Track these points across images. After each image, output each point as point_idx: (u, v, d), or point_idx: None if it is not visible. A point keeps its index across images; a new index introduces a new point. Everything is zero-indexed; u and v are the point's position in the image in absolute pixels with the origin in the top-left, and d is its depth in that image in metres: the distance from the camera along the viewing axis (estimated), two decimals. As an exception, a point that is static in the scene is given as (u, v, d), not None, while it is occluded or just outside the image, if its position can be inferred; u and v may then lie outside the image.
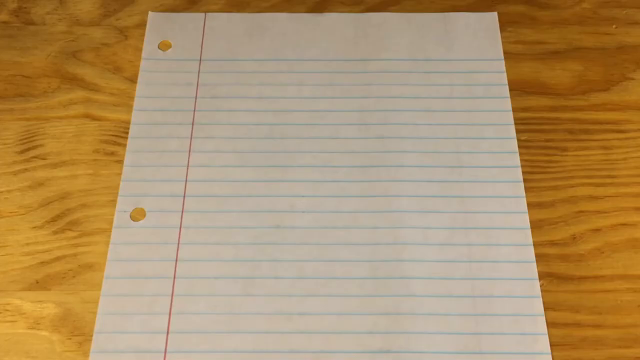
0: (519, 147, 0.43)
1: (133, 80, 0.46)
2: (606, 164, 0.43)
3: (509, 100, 0.44)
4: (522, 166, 0.42)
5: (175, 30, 0.47)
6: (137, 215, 0.40)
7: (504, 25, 0.47)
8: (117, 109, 0.45)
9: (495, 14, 0.47)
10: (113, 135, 0.44)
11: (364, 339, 0.37)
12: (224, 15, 0.48)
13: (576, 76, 0.46)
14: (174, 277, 0.38)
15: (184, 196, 0.41)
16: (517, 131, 0.43)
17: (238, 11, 0.48)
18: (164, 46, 0.46)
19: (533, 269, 0.39)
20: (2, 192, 0.42)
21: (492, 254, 0.39)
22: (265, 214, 0.40)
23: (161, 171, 0.42)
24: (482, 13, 0.47)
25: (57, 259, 0.40)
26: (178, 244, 0.39)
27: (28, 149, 0.43)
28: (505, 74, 0.45)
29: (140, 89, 0.45)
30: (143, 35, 0.47)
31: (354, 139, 0.43)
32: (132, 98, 0.45)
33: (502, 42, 0.47)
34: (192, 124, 0.43)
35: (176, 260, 0.39)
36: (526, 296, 0.38)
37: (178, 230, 0.40)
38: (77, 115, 0.44)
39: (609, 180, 0.42)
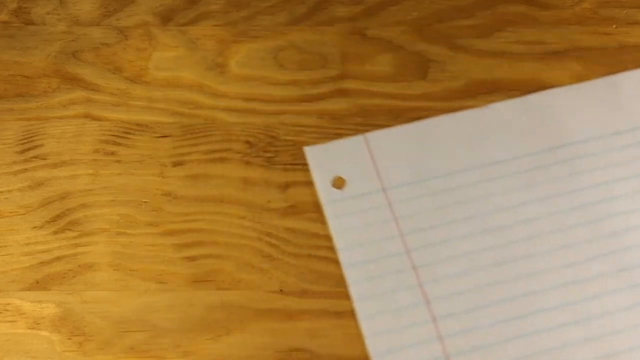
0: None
1: (133, 80, 0.46)
2: (606, 164, 0.42)
3: None
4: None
5: (339, 162, 0.42)
6: None
7: (503, 25, 0.47)
8: (117, 109, 0.45)
9: None
10: (113, 135, 0.44)
11: None
12: (384, 133, 0.42)
13: (576, 76, 0.46)
14: None
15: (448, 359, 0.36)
16: (517, 131, 0.43)
17: (237, 10, 0.48)
18: (338, 184, 0.41)
19: None
20: (2, 192, 0.42)
21: None
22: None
23: (407, 334, 0.37)
24: None
25: (57, 259, 0.40)
26: None
27: (28, 149, 0.43)
28: None
29: (338, 240, 0.39)
30: (143, 35, 0.47)
31: (589, 242, 0.38)
32: (132, 98, 0.45)
33: (502, 42, 0.47)
34: (414, 268, 0.38)
35: None
36: None
37: None
38: (77, 115, 0.44)
39: (609, 180, 0.42)
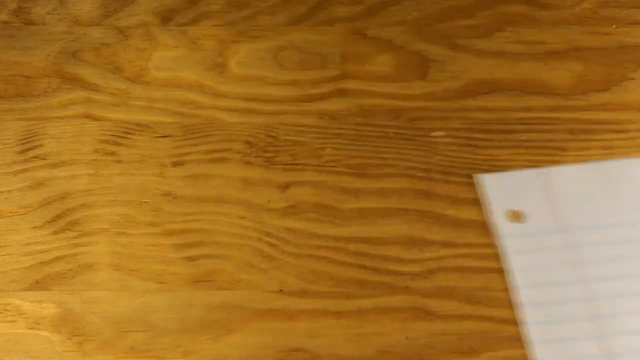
0: (519, 147, 0.43)
1: (133, 80, 0.46)
2: (606, 164, 0.42)
3: None
4: (523, 166, 0.42)
5: (516, 194, 0.40)
6: None
7: (503, 25, 0.47)
8: (117, 109, 0.45)
9: None
10: (113, 135, 0.44)
11: None
12: (566, 169, 0.40)
13: (576, 76, 0.46)
14: None
15: None
16: (517, 131, 0.43)
17: (237, 10, 0.48)
18: (515, 217, 0.39)
19: None
20: (2, 192, 0.42)
21: None
22: None
23: None
24: None
25: (57, 259, 0.40)
26: None
27: (28, 149, 0.43)
28: None
29: (519, 278, 0.37)
30: (143, 35, 0.47)
31: None
32: (132, 98, 0.45)
33: (502, 42, 0.47)
34: (598, 318, 0.36)
35: None
36: None
37: None
38: (77, 115, 0.44)
39: (609, 181, 0.42)
